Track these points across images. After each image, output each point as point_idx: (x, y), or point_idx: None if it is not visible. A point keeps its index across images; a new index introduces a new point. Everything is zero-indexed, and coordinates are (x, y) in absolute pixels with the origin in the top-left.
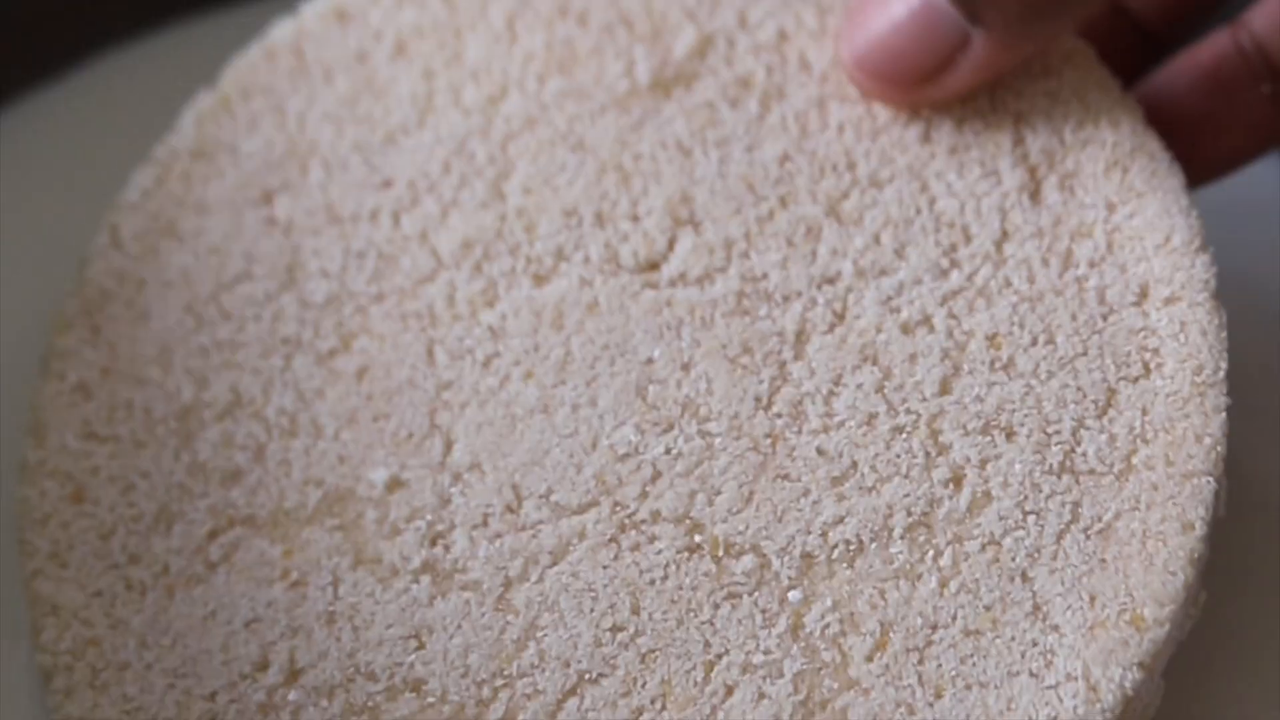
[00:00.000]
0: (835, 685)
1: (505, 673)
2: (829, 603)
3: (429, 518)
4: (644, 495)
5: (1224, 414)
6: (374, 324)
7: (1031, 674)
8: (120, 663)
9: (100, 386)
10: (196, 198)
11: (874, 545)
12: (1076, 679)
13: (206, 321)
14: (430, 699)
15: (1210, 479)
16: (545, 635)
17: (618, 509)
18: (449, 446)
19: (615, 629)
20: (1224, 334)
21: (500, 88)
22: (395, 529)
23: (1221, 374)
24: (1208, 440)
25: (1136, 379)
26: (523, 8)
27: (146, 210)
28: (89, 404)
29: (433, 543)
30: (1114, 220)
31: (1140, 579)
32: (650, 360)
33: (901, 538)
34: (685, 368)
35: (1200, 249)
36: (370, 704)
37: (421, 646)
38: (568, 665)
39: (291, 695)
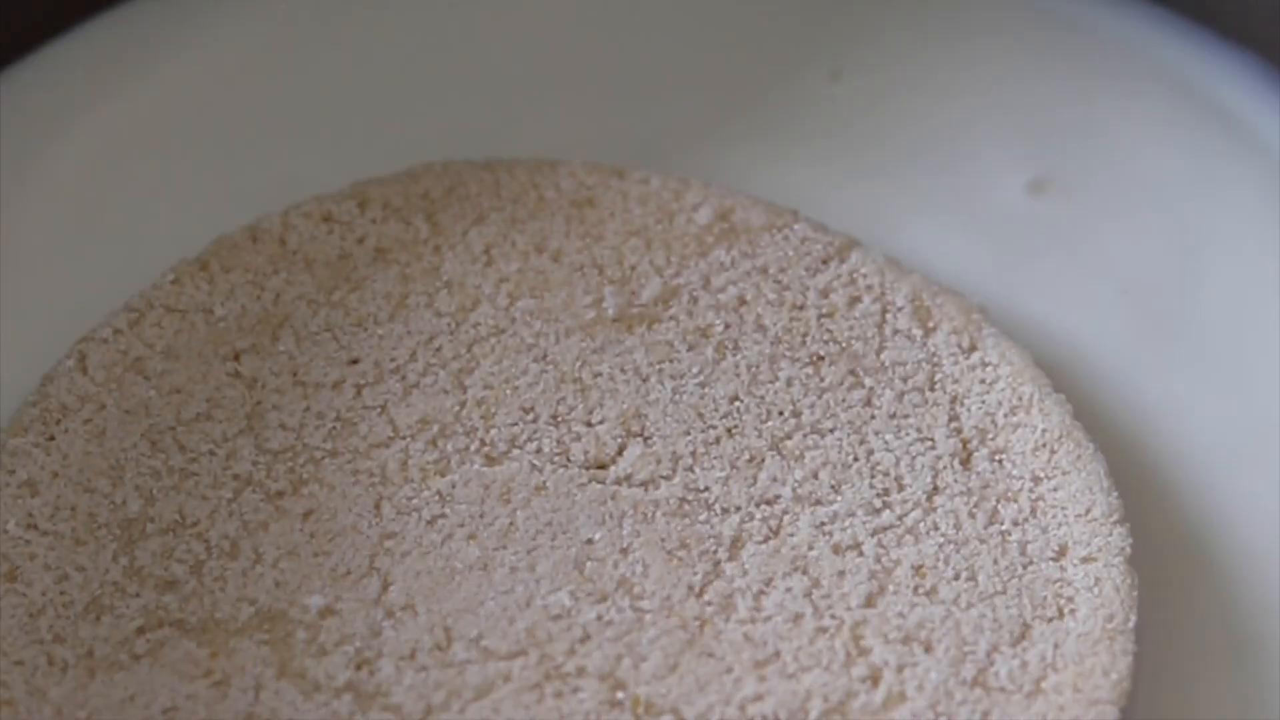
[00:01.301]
0: None
1: None
2: None
3: (358, 644)
4: (572, 652)
5: (1131, 657)
6: (326, 474)
7: None
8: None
9: (48, 486)
10: (166, 345)
11: None
12: None
13: (161, 449)
14: None
15: (1114, 707)
16: None
17: (545, 660)
18: (385, 587)
19: None
20: (1135, 593)
21: (473, 300)
22: (323, 650)
23: (1131, 624)
24: (1114, 675)
25: (1051, 619)
26: (501, 239)
27: (116, 346)
28: (34, 499)
29: (359, 667)
30: (1039, 490)
31: None
32: (590, 541)
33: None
34: (624, 551)
35: (1118, 522)
36: None
37: None
38: None
39: None
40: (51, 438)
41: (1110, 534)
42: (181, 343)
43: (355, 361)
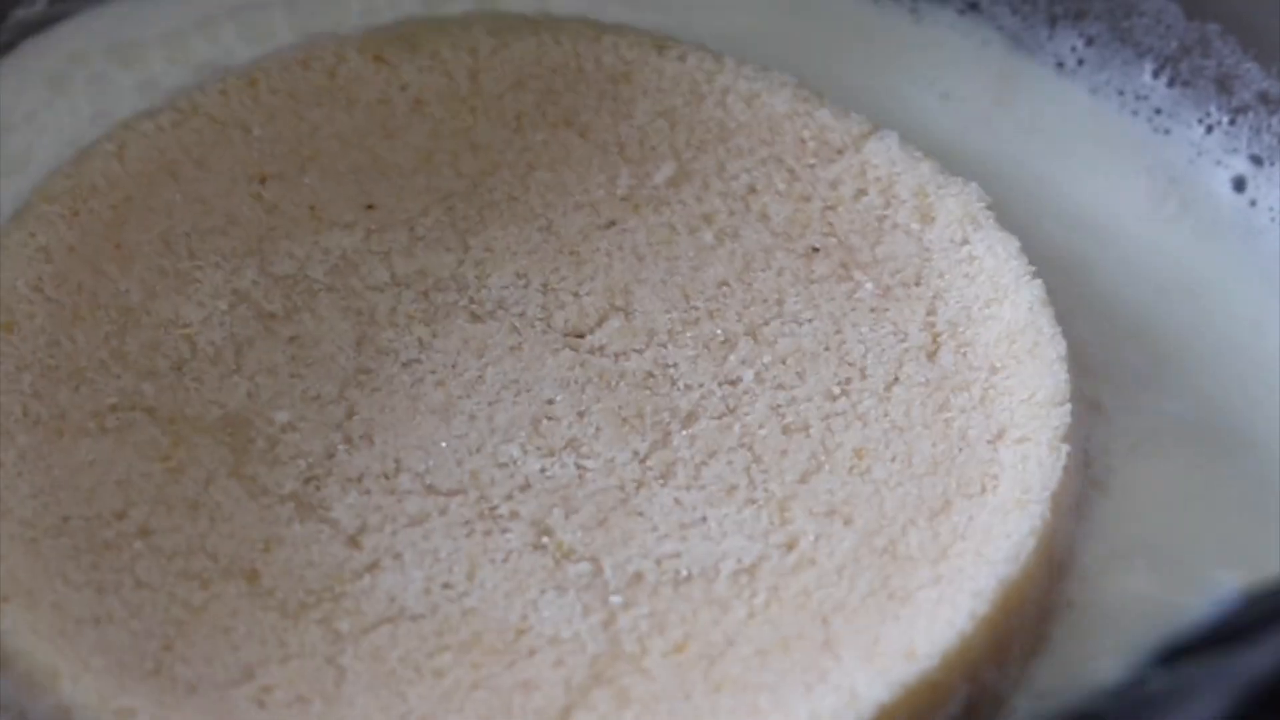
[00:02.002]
0: (627, 669)
1: (334, 590)
2: (645, 610)
3: (311, 461)
4: (509, 497)
5: (1037, 521)
6: (318, 305)
7: (805, 686)
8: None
9: (62, 258)
10: (201, 154)
11: (700, 579)
12: (843, 689)
13: (173, 250)
14: (259, 590)
15: (1010, 565)
16: (382, 574)
17: (481, 501)
18: (349, 415)
19: (446, 585)
20: (1061, 464)
21: (494, 164)
22: (278, 460)
23: (1046, 494)
24: (1014, 538)
25: (972, 496)
26: (533, 109)
27: (154, 143)
28: (47, 265)
29: (306, 481)
30: (993, 379)
31: (924, 630)
32: (551, 401)
33: (727, 578)
34: (580, 414)
35: (1060, 403)
36: (204, 576)
37: (267, 550)
38: (393, 600)
39: (136, 545)
40: (76, 213)
41: (1048, 416)
42: (215, 155)
43: (371, 206)
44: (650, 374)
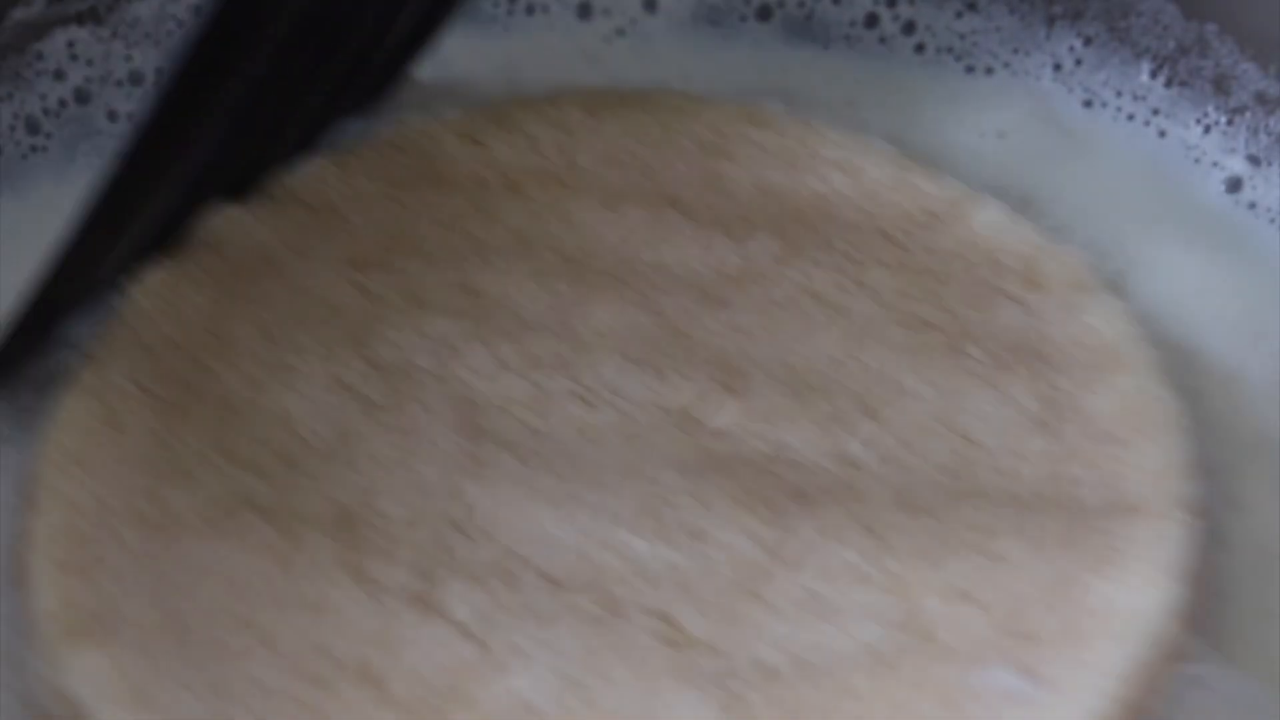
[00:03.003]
0: None
1: (459, 690)
2: (781, 704)
3: (428, 555)
4: (633, 589)
5: (1173, 599)
6: (425, 394)
7: None
8: (110, 568)
9: (161, 351)
10: (295, 240)
11: (835, 669)
12: None
13: (274, 342)
14: (383, 692)
15: (1150, 647)
16: (512, 676)
17: (605, 594)
18: (465, 508)
19: (575, 683)
20: (1193, 542)
21: (595, 244)
22: (394, 555)
23: (1179, 570)
24: (1152, 615)
25: (1101, 572)
26: (632, 187)
27: (250, 232)
28: (149, 362)
29: (425, 577)
30: (1114, 451)
31: (1062, 715)
32: (667, 486)
33: (862, 667)
34: (699, 500)
35: (1186, 474)
36: (326, 677)
37: (388, 650)
38: (521, 700)
39: (254, 647)
40: (175, 305)
41: (1174, 487)
42: (312, 242)
43: (473, 291)
44: (767, 455)
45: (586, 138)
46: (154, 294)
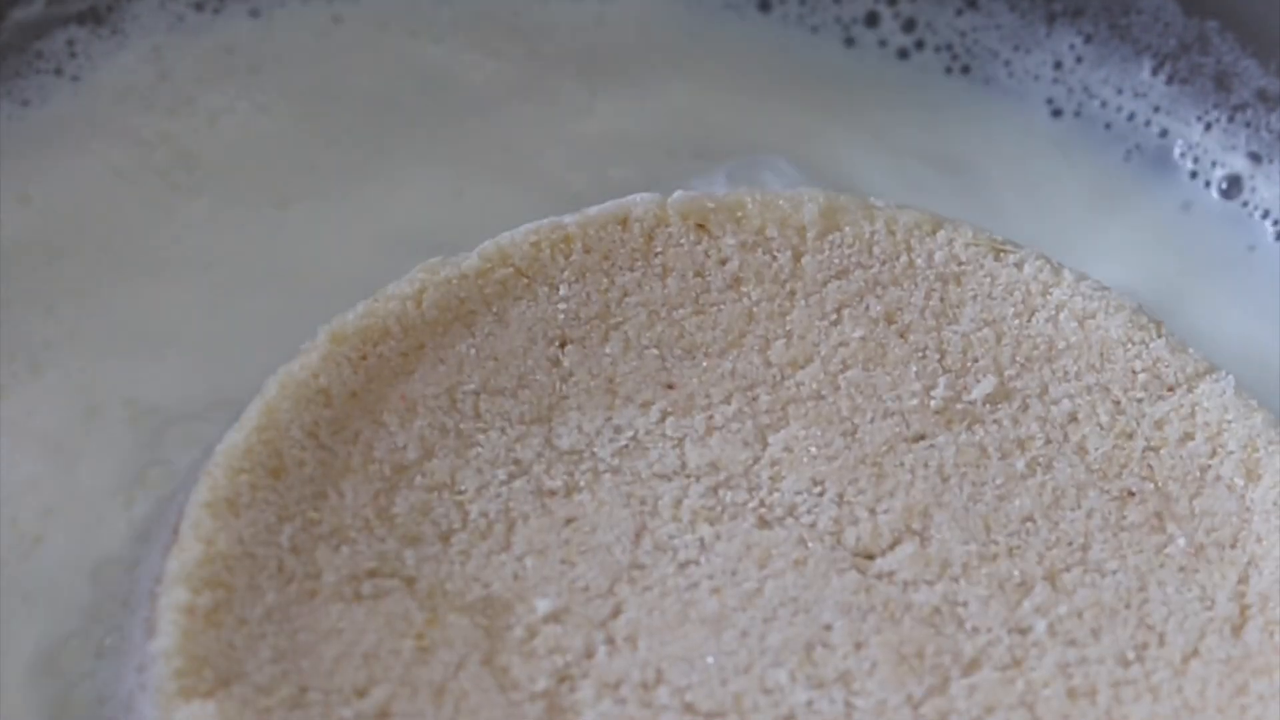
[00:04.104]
0: None
1: None
2: None
3: (569, 658)
4: None
5: None
6: (600, 489)
7: None
8: (239, 617)
9: (341, 404)
10: (501, 307)
11: None
12: None
13: (458, 409)
14: None
15: None
16: None
17: None
18: (616, 613)
19: None
20: None
21: (806, 356)
22: (534, 653)
23: None
24: None
25: None
26: (856, 300)
27: (454, 291)
28: (325, 410)
29: (561, 680)
30: None
31: None
32: (828, 627)
33: None
34: (857, 646)
35: None
36: None
37: None
38: None
39: None
40: (365, 357)
41: None
42: (516, 310)
43: (671, 386)
44: (937, 610)
45: (820, 243)
46: (344, 340)
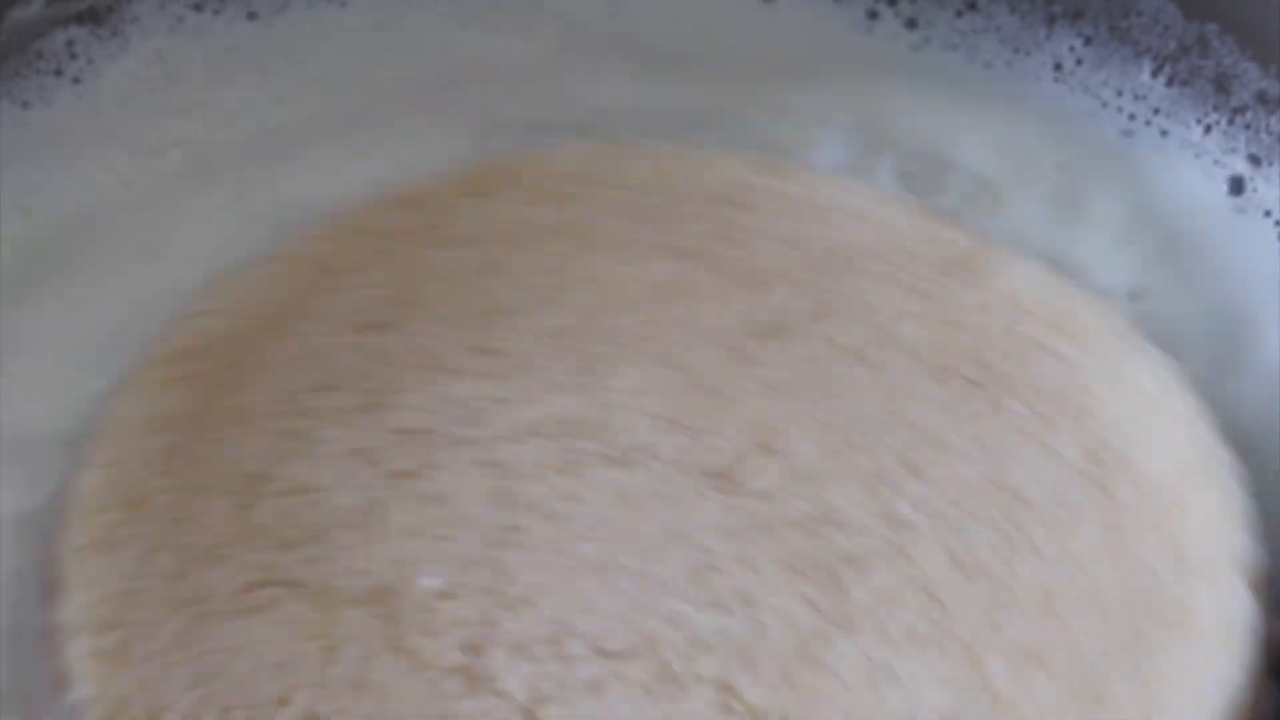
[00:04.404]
0: None
1: None
2: None
3: (472, 629)
4: (686, 657)
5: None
6: (454, 462)
7: None
8: (147, 651)
9: (180, 426)
10: (308, 305)
11: None
12: None
13: (292, 411)
14: None
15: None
16: None
17: (658, 663)
18: (504, 577)
19: None
20: (1257, 604)
21: (616, 300)
22: (436, 630)
23: (1252, 632)
24: (1229, 681)
25: (1172, 633)
26: (647, 240)
27: (254, 295)
28: (165, 436)
29: (470, 650)
30: (1177, 517)
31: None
32: (711, 550)
33: None
34: (744, 564)
35: (1245, 530)
36: None
37: None
38: None
39: None
40: (193, 377)
41: (1234, 542)
42: (323, 304)
43: (490, 350)
44: (810, 516)
45: (600, 190)
46: (160, 363)
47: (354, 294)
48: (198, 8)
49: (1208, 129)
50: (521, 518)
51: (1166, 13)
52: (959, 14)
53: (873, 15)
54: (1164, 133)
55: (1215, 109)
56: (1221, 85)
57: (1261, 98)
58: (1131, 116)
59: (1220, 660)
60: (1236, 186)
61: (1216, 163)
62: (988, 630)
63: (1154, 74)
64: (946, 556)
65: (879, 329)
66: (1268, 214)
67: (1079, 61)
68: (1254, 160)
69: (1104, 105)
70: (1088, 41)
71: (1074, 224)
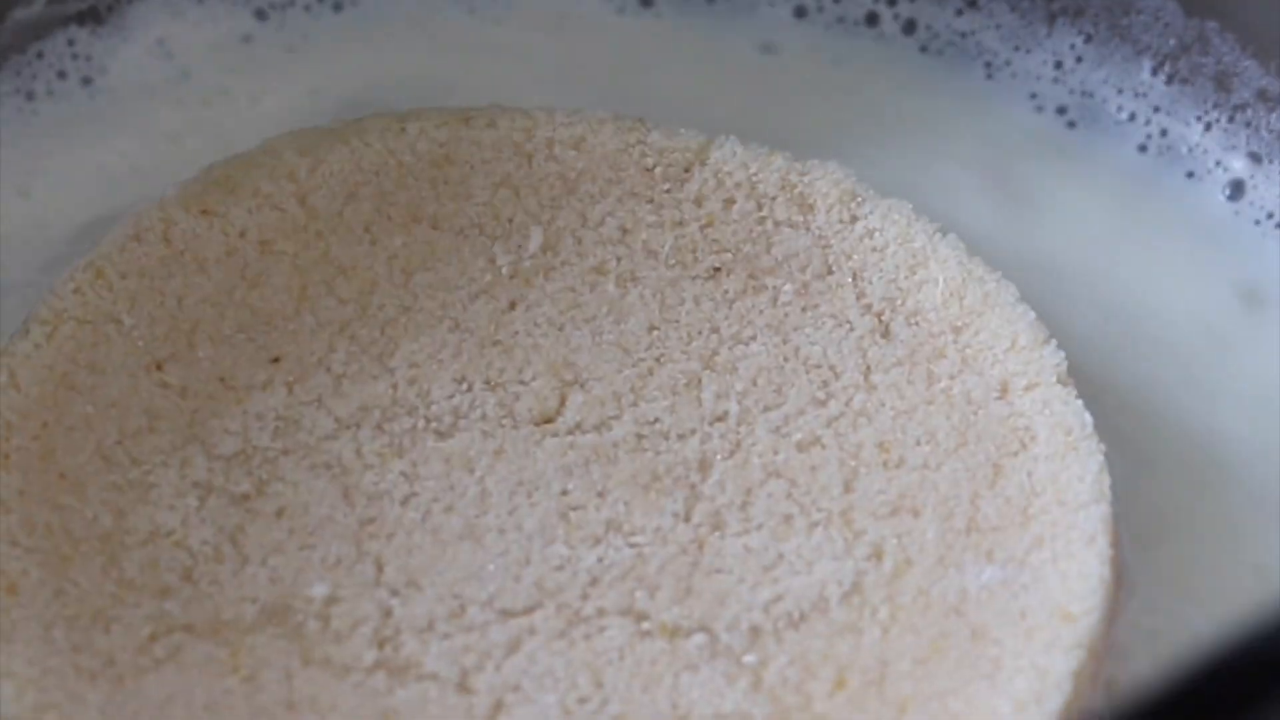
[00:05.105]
0: (805, 716)
1: None
2: (784, 660)
3: (374, 625)
4: (586, 596)
5: (1100, 455)
6: (285, 473)
7: (985, 677)
8: None
9: (17, 504)
10: (88, 358)
11: (815, 614)
12: (1026, 668)
13: (115, 463)
14: None
15: (1100, 504)
16: (513, 710)
17: (563, 608)
18: (380, 568)
19: (582, 700)
20: (1080, 403)
21: (370, 281)
22: (340, 635)
23: (1089, 428)
24: (1090, 476)
25: (1016, 453)
26: (377, 215)
27: (40, 361)
28: (8, 516)
29: (381, 645)
30: (962, 340)
31: (1060, 589)
32: (565, 492)
33: (839, 604)
34: (601, 495)
35: (1044, 342)
36: None
37: None
38: None
39: None
40: (7, 456)
41: (1042, 357)
42: (101, 355)
43: (277, 359)
44: (640, 435)
45: (314, 180)
46: None
47: (129, 339)
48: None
49: (1208, 126)
50: (374, 508)
51: (1167, 10)
52: (959, 12)
53: (872, 17)
54: (1164, 130)
55: (1215, 106)
56: (1222, 83)
57: (1262, 95)
58: (1132, 114)
59: (1073, 457)
60: (1237, 184)
61: (1217, 161)
62: (845, 494)
63: (1154, 72)
64: (780, 438)
65: (628, 246)
66: (1270, 215)
67: (1079, 59)
68: (1254, 158)
69: (1103, 102)
70: (1088, 39)
71: None
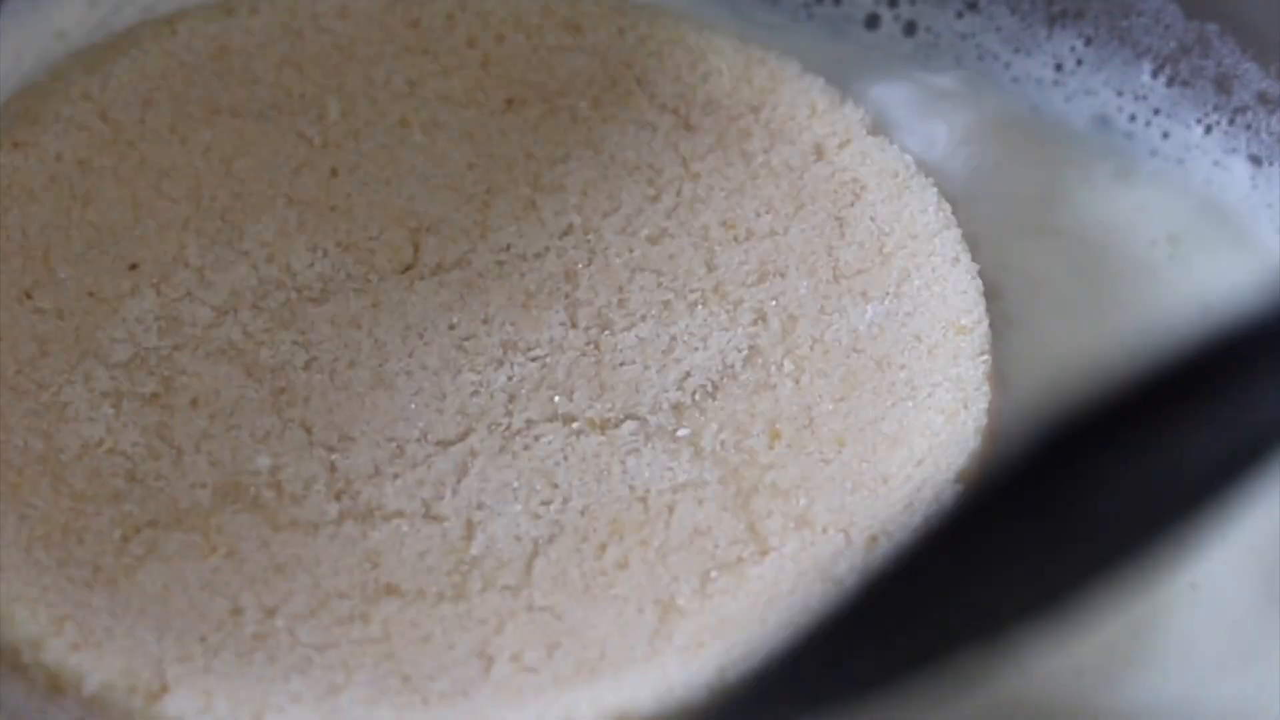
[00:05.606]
0: (757, 473)
1: (466, 559)
2: (715, 427)
3: (324, 481)
4: (509, 412)
5: (935, 190)
6: (185, 366)
7: (910, 401)
8: (103, 629)
9: None
10: None
11: (725, 381)
12: (948, 391)
13: (24, 392)
14: (410, 595)
15: (951, 229)
16: (485, 525)
17: (494, 427)
18: (309, 430)
19: (545, 502)
20: (898, 147)
21: (195, 177)
22: (297, 497)
23: (914, 169)
24: (930, 207)
25: (852, 204)
26: (180, 115)
27: None
28: None
29: (338, 497)
30: (763, 117)
31: (944, 308)
32: (453, 326)
33: (744, 368)
34: (486, 321)
35: (842, 102)
36: (357, 613)
37: (377, 565)
38: (519, 539)
39: (279, 623)
40: None
41: (845, 114)
42: None
43: (134, 266)
44: (500, 262)
45: (106, 94)
46: None
47: None
48: None
49: (1208, 129)
50: (281, 379)
51: (1167, 13)
52: (959, 15)
53: (872, 19)
54: (1164, 133)
55: (1216, 109)
56: (1222, 85)
57: (1262, 98)
58: (1132, 117)
59: (907, 199)
60: (1237, 185)
61: (1217, 163)
62: (710, 272)
63: (1154, 74)
64: (626, 237)
65: (421, 96)
66: (1267, 211)
67: (1079, 62)
68: (1255, 161)
69: (1104, 106)
70: (1088, 42)
71: None
